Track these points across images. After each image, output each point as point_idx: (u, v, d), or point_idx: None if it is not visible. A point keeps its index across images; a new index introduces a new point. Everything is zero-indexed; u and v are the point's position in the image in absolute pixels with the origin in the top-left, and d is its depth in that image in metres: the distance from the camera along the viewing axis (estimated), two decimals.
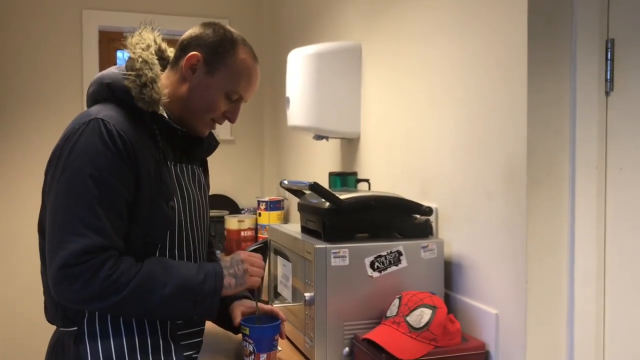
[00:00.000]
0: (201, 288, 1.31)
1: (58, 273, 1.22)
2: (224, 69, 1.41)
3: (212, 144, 1.59)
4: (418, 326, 1.38)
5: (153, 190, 1.32)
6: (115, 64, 3.55)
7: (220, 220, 3.29)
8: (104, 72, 1.41)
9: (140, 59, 1.34)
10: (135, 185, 1.29)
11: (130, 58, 1.36)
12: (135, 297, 1.25)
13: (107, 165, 1.25)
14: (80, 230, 1.22)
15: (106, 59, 3.59)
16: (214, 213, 3.28)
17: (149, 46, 1.39)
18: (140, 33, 1.42)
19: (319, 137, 2.32)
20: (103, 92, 1.37)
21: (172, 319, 1.37)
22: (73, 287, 1.21)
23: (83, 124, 1.28)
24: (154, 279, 1.27)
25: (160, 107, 1.37)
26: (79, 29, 3.52)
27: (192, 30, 1.44)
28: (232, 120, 1.49)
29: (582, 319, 1.34)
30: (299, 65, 2.23)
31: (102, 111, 1.31)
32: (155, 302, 1.27)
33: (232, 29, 1.45)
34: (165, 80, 1.41)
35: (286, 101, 2.32)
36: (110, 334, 1.30)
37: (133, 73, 1.33)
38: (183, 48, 1.43)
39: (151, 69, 1.34)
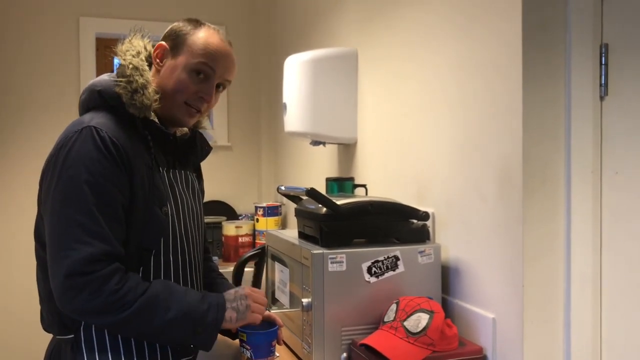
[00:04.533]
0: (203, 318, 1.31)
1: (64, 282, 1.21)
2: (186, 47, 1.40)
3: (205, 149, 1.59)
4: (415, 331, 1.38)
5: (146, 196, 1.32)
6: (113, 70, 3.56)
7: (218, 226, 3.29)
8: (96, 79, 1.42)
9: (130, 66, 1.35)
10: (129, 191, 1.29)
11: (120, 65, 1.37)
12: (138, 317, 1.25)
13: (102, 171, 1.25)
14: (83, 238, 1.22)
15: (103, 66, 3.60)
16: (211, 219, 3.28)
17: (139, 53, 1.40)
18: (130, 40, 1.43)
19: (315, 143, 2.32)
20: (95, 100, 1.37)
21: (169, 344, 1.36)
22: (79, 297, 1.21)
23: (75, 132, 1.28)
24: (159, 301, 1.27)
25: (152, 113, 1.37)
26: (76, 36, 3.52)
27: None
28: (208, 101, 1.43)
29: (579, 322, 1.34)
30: (296, 72, 2.24)
31: (94, 119, 1.31)
32: (157, 326, 1.27)
33: (204, 22, 1.46)
34: (153, 85, 1.40)
35: (283, 107, 2.33)
36: (108, 345, 1.30)
37: (124, 80, 1.34)
38: None
39: (142, 75, 1.35)
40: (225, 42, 1.44)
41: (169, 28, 1.46)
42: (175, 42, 1.42)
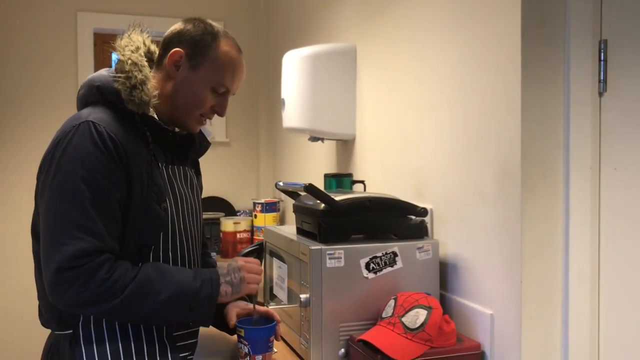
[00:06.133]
0: (197, 295, 1.31)
1: (54, 277, 1.21)
2: (207, 62, 1.39)
3: (203, 144, 1.59)
4: (413, 327, 1.38)
5: (145, 192, 1.32)
6: (111, 66, 3.55)
7: (216, 222, 3.29)
8: (94, 74, 1.41)
9: (129, 61, 1.34)
10: (127, 187, 1.29)
11: (119, 60, 1.36)
12: (131, 302, 1.25)
13: (99, 167, 1.25)
14: (75, 233, 1.22)
15: (101, 62, 3.59)
16: (209, 215, 3.28)
17: (138, 48, 1.39)
18: (129, 35, 1.42)
19: (314, 139, 2.32)
20: (93, 95, 1.37)
21: (167, 324, 1.37)
22: (69, 291, 1.21)
23: (74, 127, 1.28)
24: (150, 284, 1.27)
25: (151, 109, 1.37)
26: (74, 31, 3.51)
27: (173, 27, 1.44)
28: (221, 114, 1.47)
29: (577, 319, 1.34)
30: (294, 67, 2.23)
31: (93, 114, 1.31)
32: (151, 308, 1.27)
33: (213, 23, 1.44)
34: (152, 80, 1.40)
35: (281, 103, 2.33)
36: (106, 338, 1.30)
37: (123, 75, 1.33)
38: (166, 46, 1.42)
39: (141, 71, 1.34)
40: (241, 54, 1.46)
41: (180, 31, 1.41)
42: (194, 52, 1.39)
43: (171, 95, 1.40)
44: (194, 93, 1.40)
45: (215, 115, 1.48)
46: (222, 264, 1.43)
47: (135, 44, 1.39)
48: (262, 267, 1.90)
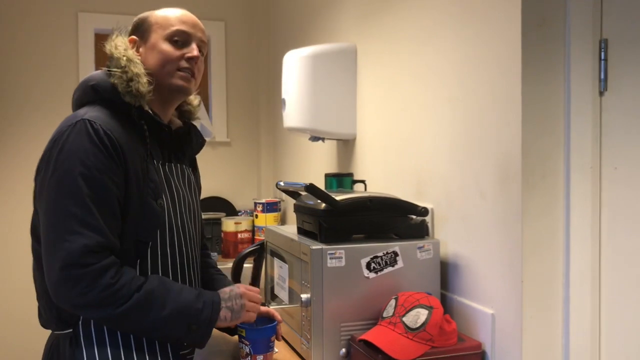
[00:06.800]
0: (198, 316, 1.32)
1: (59, 274, 1.21)
2: (152, 26, 1.45)
3: (199, 142, 1.59)
4: (414, 326, 1.38)
5: (141, 188, 1.33)
6: None
7: (217, 222, 3.29)
8: (87, 76, 1.44)
9: (125, 57, 1.38)
10: (124, 183, 1.30)
11: (114, 58, 1.39)
12: (133, 313, 1.25)
13: (97, 163, 1.26)
14: (77, 229, 1.22)
15: (102, 62, 3.57)
16: (210, 215, 3.28)
17: (126, 49, 1.42)
18: (123, 35, 1.46)
19: (315, 139, 2.32)
20: (88, 95, 1.39)
21: (163, 340, 1.36)
22: (74, 290, 1.21)
23: (70, 126, 1.29)
24: (154, 298, 1.27)
25: (146, 106, 1.37)
26: (75, 32, 3.51)
27: None
28: (196, 59, 1.46)
29: (578, 318, 1.34)
30: (295, 67, 2.23)
31: (89, 112, 1.32)
32: (151, 322, 1.27)
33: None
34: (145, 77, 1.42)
35: (282, 103, 2.33)
36: (106, 338, 1.30)
37: (119, 70, 1.35)
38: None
39: (136, 66, 1.37)
40: (181, 9, 1.50)
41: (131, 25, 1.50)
42: (141, 29, 1.46)
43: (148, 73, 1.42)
44: (157, 53, 1.42)
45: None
46: (225, 289, 1.43)
47: (126, 43, 1.43)
48: (263, 266, 1.92)
